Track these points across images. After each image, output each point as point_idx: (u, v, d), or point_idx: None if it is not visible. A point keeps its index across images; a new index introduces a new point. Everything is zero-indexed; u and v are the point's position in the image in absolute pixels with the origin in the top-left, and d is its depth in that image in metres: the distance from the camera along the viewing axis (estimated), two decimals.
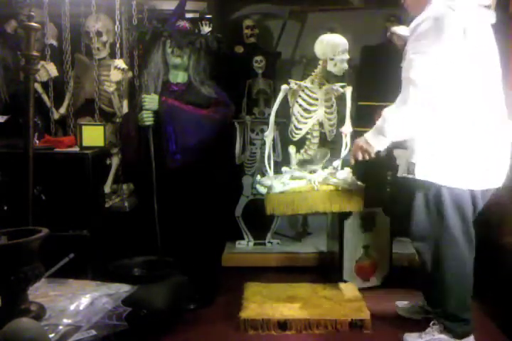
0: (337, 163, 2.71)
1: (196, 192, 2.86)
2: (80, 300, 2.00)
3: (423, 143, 2.26)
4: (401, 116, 2.19)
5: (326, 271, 3.37)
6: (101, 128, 2.97)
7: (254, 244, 3.70)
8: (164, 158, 2.81)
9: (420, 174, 2.26)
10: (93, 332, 1.80)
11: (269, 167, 2.68)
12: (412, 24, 2.23)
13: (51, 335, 1.76)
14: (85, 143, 2.89)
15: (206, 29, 2.94)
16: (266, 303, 2.73)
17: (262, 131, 3.54)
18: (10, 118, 3.08)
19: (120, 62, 3.23)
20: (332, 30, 3.27)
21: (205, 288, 2.94)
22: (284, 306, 2.69)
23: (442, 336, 2.39)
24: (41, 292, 2.06)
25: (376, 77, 3.67)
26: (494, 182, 2.28)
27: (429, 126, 2.22)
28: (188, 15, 3.12)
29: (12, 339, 1.62)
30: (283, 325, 2.58)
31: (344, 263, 3.14)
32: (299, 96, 2.70)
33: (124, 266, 2.70)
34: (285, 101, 2.72)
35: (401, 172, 2.37)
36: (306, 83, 2.71)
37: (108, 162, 3.38)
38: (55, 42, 3.38)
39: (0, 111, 3.19)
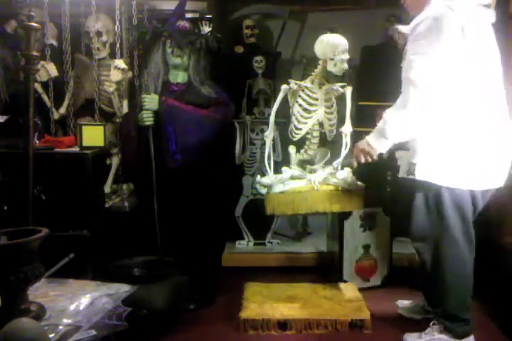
0: (337, 163, 2.71)
1: (196, 192, 2.86)
2: (80, 300, 1.99)
3: (423, 144, 2.26)
4: (402, 118, 2.19)
5: (326, 271, 3.37)
6: (101, 128, 2.97)
7: (254, 244, 3.70)
8: (164, 158, 2.81)
9: (420, 174, 2.26)
10: (93, 332, 1.80)
11: (269, 167, 2.68)
12: (411, 24, 2.23)
13: (51, 335, 1.76)
14: (85, 143, 2.89)
15: (206, 29, 2.94)
16: (266, 303, 2.73)
17: (262, 131, 3.54)
18: (10, 118, 3.07)
19: (120, 62, 3.23)
20: (332, 30, 3.27)
21: (205, 288, 2.94)
22: (284, 306, 2.69)
23: (442, 336, 2.39)
24: (41, 292, 2.06)
25: (376, 77, 3.67)
26: (494, 182, 2.28)
27: (430, 126, 2.21)
28: (188, 15, 3.11)
29: (12, 339, 1.62)
30: (283, 325, 2.58)
31: (344, 263, 3.14)
32: (299, 96, 2.70)
33: (124, 266, 2.70)
34: (285, 101, 2.72)
35: (402, 173, 2.37)
36: (306, 83, 2.71)
37: (108, 162, 3.38)
38: (55, 42, 3.38)
39: (0, 111, 3.19)
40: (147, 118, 2.80)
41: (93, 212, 2.84)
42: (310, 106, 2.70)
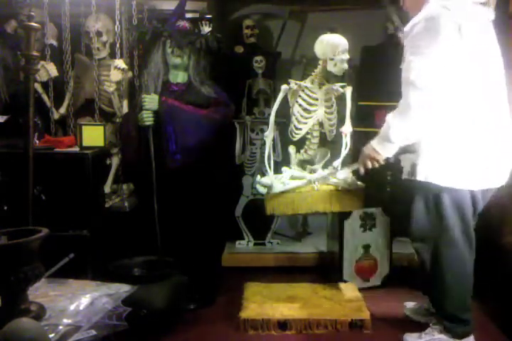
0: (337, 163, 2.71)
1: (196, 192, 2.86)
2: (80, 300, 1.99)
3: (424, 145, 2.25)
4: (405, 121, 2.17)
5: (326, 271, 3.37)
6: (101, 128, 2.97)
7: (254, 244, 3.69)
8: (164, 158, 2.81)
9: (421, 175, 2.25)
10: (93, 332, 1.80)
11: (269, 167, 2.68)
12: (409, 24, 2.22)
13: (51, 335, 1.75)
14: (85, 143, 2.89)
15: (206, 29, 2.94)
16: (266, 303, 2.73)
17: (262, 131, 3.54)
18: (10, 118, 3.07)
19: (120, 62, 3.23)
20: (332, 30, 3.26)
21: (205, 288, 2.94)
22: (284, 306, 2.69)
23: (442, 336, 2.39)
24: (41, 292, 2.06)
25: (376, 77, 3.67)
26: (494, 182, 2.28)
27: (431, 127, 2.21)
28: (188, 15, 3.11)
29: (12, 339, 1.62)
30: (283, 325, 2.58)
31: (344, 263, 3.14)
32: (299, 96, 2.70)
33: (124, 266, 2.70)
34: (285, 101, 2.72)
35: (405, 175, 2.36)
36: (306, 83, 2.71)
37: (108, 162, 3.38)
38: (55, 42, 3.37)
39: (0, 111, 3.19)
40: (147, 118, 2.80)
41: (93, 212, 2.84)
42: (310, 106, 2.70)
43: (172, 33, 2.88)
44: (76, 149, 2.89)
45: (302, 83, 2.71)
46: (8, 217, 2.67)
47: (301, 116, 2.71)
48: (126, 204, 3.25)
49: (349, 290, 2.91)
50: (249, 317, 2.60)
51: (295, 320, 2.58)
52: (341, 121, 2.74)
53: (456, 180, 2.23)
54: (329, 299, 2.80)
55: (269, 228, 3.70)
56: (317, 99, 2.70)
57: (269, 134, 2.72)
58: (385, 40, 3.91)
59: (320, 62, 2.68)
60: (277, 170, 2.80)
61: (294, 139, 2.75)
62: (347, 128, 2.70)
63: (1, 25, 3.36)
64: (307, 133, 2.74)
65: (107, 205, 3.16)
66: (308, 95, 2.70)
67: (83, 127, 2.93)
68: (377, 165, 2.34)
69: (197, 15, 3.14)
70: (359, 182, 2.68)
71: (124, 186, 3.41)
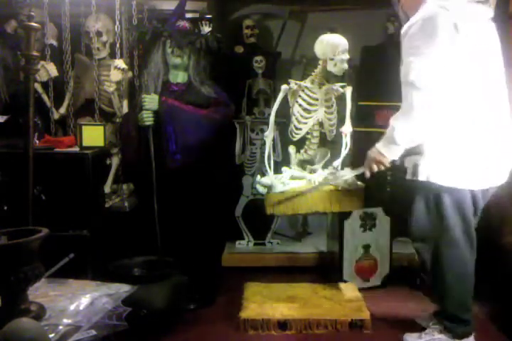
0: (337, 163, 2.71)
1: (196, 192, 2.86)
2: (80, 300, 1.99)
3: (426, 145, 2.25)
4: (409, 122, 2.16)
5: (326, 271, 3.37)
6: (101, 128, 2.97)
7: (254, 244, 3.69)
8: (164, 158, 2.81)
9: (422, 175, 2.25)
10: (93, 332, 1.80)
11: (269, 167, 2.68)
12: (406, 25, 2.22)
13: (51, 335, 1.75)
14: (85, 143, 2.89)
15: (206, 29, 2.94)
16: (266, 303, 2.73)
17: (262, 131, 3.53)
18: (10, 118, 3.07)
19: (120, 62, 3.23)
20: (332, 30, 3.26)
21: (205, 288, 2.94)
22: (284, 306, 2.69)
23: (442, 336, 2.38)
24: (41, 292, 2.06)
25: (376, 77, 3.67)
26: (494, 181, 2.28)
27: (433, 127, 2.20)
28: (188, 15, 3.11)
29: (12, 339, 1.62)
30: (283, 325, 2.58)
31: (344, 263, 3.14)
32: (299, 96, 2.70)
33: (124, 266, 2.70)
34: (285, 101, 2.72)
35: (409, 175, 2.34)
36: (306, 83, 2.71)
37: (108, 162, 3.38)
38: (55, 42, 3.37)
39: (0, 111, 3.19)
40: (147, 118, 2.80)
41: (93, 212, 2.84)
42: (310, 106, 2.70)
43: (172, 33, 2.88)
44: (76, 149, 2.89)
45: (302, 83, 2.71)
46: (8, 217, 2.67)
47: (301, 116, 2.71)
48: (126, 204, 3.25)
49: (349, 290, 2.91)
50: (249, 317, 2.60)
51: (295, 320, 2.58)
52: (341, 121, 2.74)
53: (457, 180, 2.22)
54: (329, 299, 2.80)
55: (269, 228, 3.69)
56: (317, 99, 2.70)
57: (269, 134, 2.72)
58: (385, 40, 3.91)
59: (320, 62, 2.68)
60: (277, 170, 2.80)
61: (294, 139, 2.76)
62: (347, 128, 2.70)
63: (1, 25, 3.36)
64: (307, 133, 2.74)
65: (107, 205, 3.16)
66: (308, 95, 2.70)
67: (83, 127, 2.93)
68: (383, 168, 2.34)
69: (197, 15, 3.14)
70: (359, 182, 2.67)
71: (124, 186, 3.41)
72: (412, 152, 2.26)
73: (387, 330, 2.60)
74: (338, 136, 2.74)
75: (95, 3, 3.26)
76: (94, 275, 2.66)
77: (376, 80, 3.66)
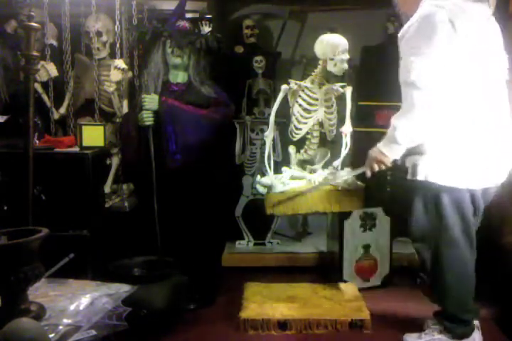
0: (337, 163, 2.71)
1: (196, 192, 2.86)
2: (80, 300, 1.99)
3: (426, 144, 2.24)
4: (410, 121, 2.16)
5: (326, 271, 3.37)
6: (101, 128, 2.97)
7: (254, 244, 3.69)
8: (164, 158, 2.81)
9: (421, 175, 2.25)
10: (93, 332, 1.80)
11: (269, 167, 2.68)
12: (406, 25, 2.22)
13: (51, 335, 1.76)
14: (85, 143, 2.89)
15: (206, 29, 2.94)
16: (266, 303, 2.73)
17: (262, 131, 3.53)
18: (10, 118, 3.07)
19: (120, 62, 3.23)
20: (332, 30, 3.26)
21: (205, 288, 2.94)
22: (284, 306, 2.69)
23: (442, 336, 2.38)
24: (41, 292, 2.06)
25: (376, 77, 3.67)
26: (493, 181, 2.27)
27: (434, 126, 2.20)
28: (188, 15, 3.11)
29: (12, 339, 1.62)
30: (283, 325, 2.58)
31: (344, 263, 3.14)
32: (299, 96, 2.70)
33: (124, 266, 2.70)
34: (285, 101, 2.72)
35: (409, 175, 2.34)
36: (306, 83, 2.71)
37: (108, 162, 3.38)
38: (55, 42, 3.38)
39: (0, 111, 3.19)
40: (147, 118, 2.80)
41: (93, 212, 2.84)
42: (310, 106, 2.71)
43: (172, 33, 2.88)
44: (76, 149, 2.89)
45: (302, 83, 2.71)
46: (8, 217, 2.67)
47: (301, 116, 2.71)
48: (126, 204, 3.25)
49: (349, 290, 2.91)
50: (249, 317, 2.60)
51: (295, 320, 2.58)
52: (341, 121, 2.74)
53: (455, 180, 2.22)
54: (329, 299, 2.80)
55: (269, 228, 3.69)
56: (317, 99, 2.70)
57: (269, 134, 2.72)
58: (385, 40, 3.91)
59: (320, 62, 2.68)
60: (277, 170, 2.80)
61: (294, 139, 2.76)
62: (347, 128, 2.70)
63: (1, 25, 3.36)
64: (307, 133, 2.74)
65: (107, 205, 3.17)
66: (308, 95, 2.70)
67: (83, 127, 2.93)
68: (384, 167, 2.34)
69: (197, 15, 3.14)
70: (359, 182, 2.67)
71: (124, 186, 3.41)
72: (414, 152, 2.26)
73: (387, 330, 2.60)
74: (338, 136, 2.74)
75: (95, 3, 3.26)
76: (94, 275, 2.66)
77: (376, 80, 3.66)
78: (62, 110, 3.40)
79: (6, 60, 3.32)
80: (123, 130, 3.06)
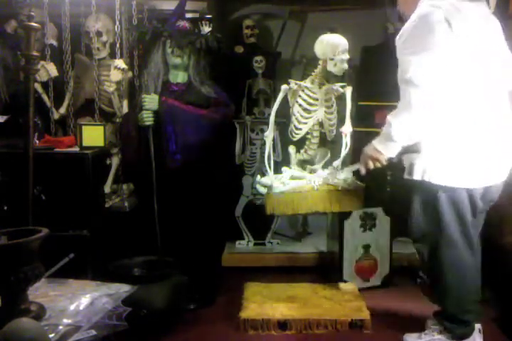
0: (337, 163, 2.71)
1: (196, 192, 2.86)
2: (80, 300, 2.00)
3: (423, 143, 2.24)
4: (407, 119, 2.15)
5: (326, 271, 3.37)
6: (101, 128, 2.97)
7: (254, 244, 3.69)
8: (164, 158, 2.81)
9: (417, 174, 2.25)
10: (93, 332, 1.80)
11: (269, 167, 2.68)
12: (404, 26, 2.22)
13: (51, 335, 1.76)
14: (85, 143, 2.89)
15: (206, 29, 2.94)
16: (266, 303, 2.73)
17: (262, 131, 3.53)
18: (10, 118, 3.08)
19: (120, 62, 3.23)
20: (332, 30, 3.26)
21: (205, 288, 2.94)
22: (284, 306, 2.69)
23: (442, 337, 2.38)
24: (41, 292, 2.06)
25: (376, 77, 3.66)
26: (492, 180, 2.26)
27: (432, 125, 2.20)
28: (188, 15, 3.11)
29: (12, 339, 1.62)
30: (283, 325, 2.58)
31: (344, 263, 3.14)
32: (299, 96, 2.70)
33: (124, 266, 2.70)
34: (285, 101, 2.72)
35: (406, 174, 2.34)
36: (306, 83, 2.71)
37: (108, 162, 3.38)
38: (55, 42, 3.38)
39: (0, 111, 3.19)
40: (147, 118, 2.80)
41: (93, 212, 2.84)
42: (310, 106, 2.70)
43: (172, 33, 2.88)
44: (76, 149, 2.89)
45: (302, 83, 2.71)
46: (8, 217, 2.67)
47: (301, 116, 2.71)
48: (126, 204, 3.25)
49: (349, 290, 2.91)
50: (249, 317, 2.60)
51: (295, 320, 2.58)
52: (341, 121, 2.74)
53: (452, 179, 2.21)
54: (329, 299, 2.80)
55: (269, 228, 3.69)
56: (317, 99, 2.70)
57: (269, 134, 2.72)
58: (385, 40, 3.90)
59: (320, 62, 2.68)
60: (277, 170, 2.80)
61: (294, 139, 2.75)
62: (347, 128, 2.69)
63: (1, 25, 3.36)
64: (307, 133, 2.74)
65: (107, 205, 3.17)
66: (308, 95, 2.70)
67: (83, 127, 2.93)
68: (379, 165, 2.33)
69: (197, 15, 3.15)
70: (359, 182, 2.67)
71: (124, 186, 3.41)
72: (411, 150, 2.26)
73: (387, 330, 2.60)
74: (338, 136, 2.73)
75: (95, 3, 3.26)
76: (94, 275, 2.66)
77: (376, 80, 3.65)
78: (62, 110, 3.40)
79: (6, 60, 3.32)
80: (123, 130, 3.06)
